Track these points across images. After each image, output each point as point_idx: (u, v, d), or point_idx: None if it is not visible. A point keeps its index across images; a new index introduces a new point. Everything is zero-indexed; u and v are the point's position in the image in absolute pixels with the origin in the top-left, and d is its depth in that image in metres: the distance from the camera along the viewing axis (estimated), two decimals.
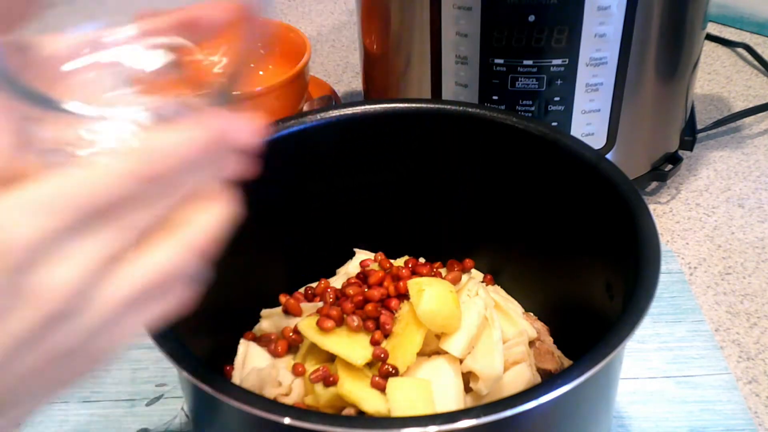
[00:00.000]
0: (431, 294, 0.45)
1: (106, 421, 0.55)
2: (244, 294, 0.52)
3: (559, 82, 0.63)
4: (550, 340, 0.52)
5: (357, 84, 0.97)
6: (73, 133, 0.26)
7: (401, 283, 0.48)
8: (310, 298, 0.52)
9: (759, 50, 0.97)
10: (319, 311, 0.47)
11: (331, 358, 0.45)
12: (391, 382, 0.43)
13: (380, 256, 0.54)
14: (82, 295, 0.24)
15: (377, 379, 0.43)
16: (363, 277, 0.50)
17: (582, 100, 0.64)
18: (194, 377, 0.34)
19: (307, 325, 0.46)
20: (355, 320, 0.45)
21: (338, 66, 1.02)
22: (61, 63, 0.28)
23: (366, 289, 0.48)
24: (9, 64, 0.25)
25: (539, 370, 0.48)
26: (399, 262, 0.54)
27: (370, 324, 0.46)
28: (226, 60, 0.30)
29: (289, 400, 0.45)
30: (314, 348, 0.46)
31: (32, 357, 0.24)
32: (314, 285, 0.53)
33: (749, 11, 1.02)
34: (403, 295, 0.47)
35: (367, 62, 0.75)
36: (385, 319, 0.46)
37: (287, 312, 0.51)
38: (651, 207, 0.64)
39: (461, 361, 0.45)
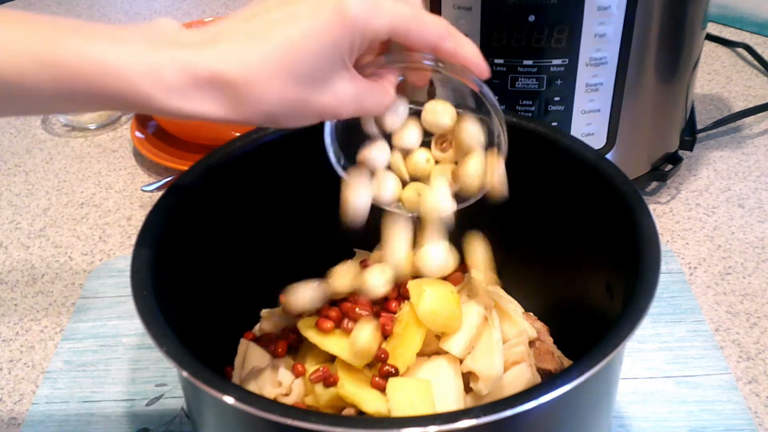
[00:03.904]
0: (432, 295, 0.45)
1: (106, 421, 0.55)
2: (244, 294, 0.53)
3: (559, 82, 0.63)
4: (550, 340, 0.52)
5: None
6: None
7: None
8: None
9: (759, 50, 0.97)
10: (318, 312, 0.47)
11: (331, 358, 0.45)
12: (391, 382, 0.43)
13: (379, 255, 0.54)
14: None
15: (377, 379, 0.43)
16: None
17: (582, 100, 0.64)
18: (194, 377, 0.34)
19: (306, 325, 0.46)
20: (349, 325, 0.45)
21: None
22: None
23: None
24: None
25: (539, 370, 0.48)
26: None
27: None
28: None
29: (289, 400, 0.45)
30: (314, 348, 0.46)
31: None
32: None
33: (749, 11, 1.02)
34: (404, 296, 0.47)
35: None
36: (384, 321, 0.46)
37: (287, 312, 0.51)
38: (651, 207, 0.64)
39: (461, 361, 0.45)
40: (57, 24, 0.33)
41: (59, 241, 0.73)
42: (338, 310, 0.46)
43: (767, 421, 0.53)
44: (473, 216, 0.55)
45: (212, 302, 0.50)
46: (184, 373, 0.35)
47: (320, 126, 0.43)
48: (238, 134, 0.50)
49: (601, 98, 0.64)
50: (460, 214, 0.56)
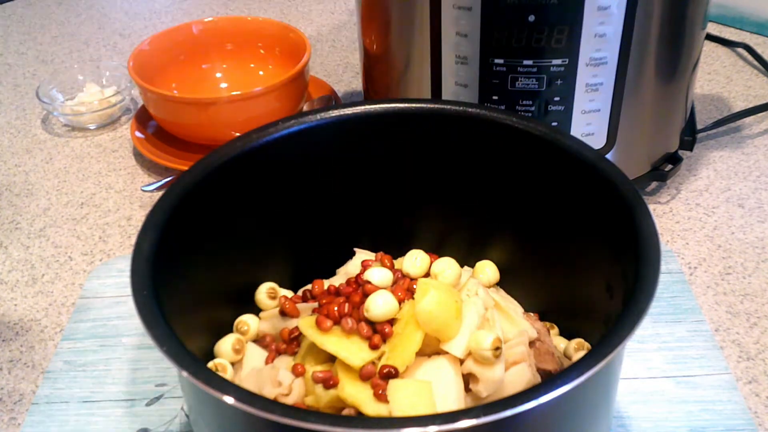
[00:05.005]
0: (435, 296, 0.45)
1: (106, 421, 0.55)
2: (244, 294, 0.53)
3: (559, 82, 0.63)
4: (550, 340, 0.51)
5: (357, 84, 0.97)
6: None
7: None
8: (307, 299, 0.52)
9: (759, 50, 0.97)
10: (315, 311, 0.47)
11: (332, 358, 0.45)
12: (392, 384, 0.43)
13: (380, 255, 0.54)
14: None
15: (377, 381, 0.43)
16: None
17: (582, 100, 0.64)
18: (194, 377, 0.34)
19: (307, 324, 0.46)
20: (349, 322, 0.45)
21: (338, 66, 1.02)
22: None
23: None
24: None
25: (539, 370, 0.48)
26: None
27: (368, 326, 0.46)
28: None
29: (289, 400, 0.45)
30: (314, 348, 0.46)
31: None
32: (310, 286, 0.53)
33: (749, 11, 1.02)
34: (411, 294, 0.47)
35: (367, 62, 0.75)
36: (381, 327, 0.46)
37: (284, 314, 0.51)
38: (651, 207, 0.64)
39: (462, 362, 0.45)
40: None
41: (59, 241, 0.73)
42: (337, 307, 0.46)
43: (767, 421, 0.53)
44: (475, 217, 0.55)
45: (212, 302, 0.50)
46: (184, 373, 0.35)
47: (321, 127, 0.43)
48: (238, 134, 0.50)
49: (601, 98, 0.64)
50: (461, 217, 0.56)
